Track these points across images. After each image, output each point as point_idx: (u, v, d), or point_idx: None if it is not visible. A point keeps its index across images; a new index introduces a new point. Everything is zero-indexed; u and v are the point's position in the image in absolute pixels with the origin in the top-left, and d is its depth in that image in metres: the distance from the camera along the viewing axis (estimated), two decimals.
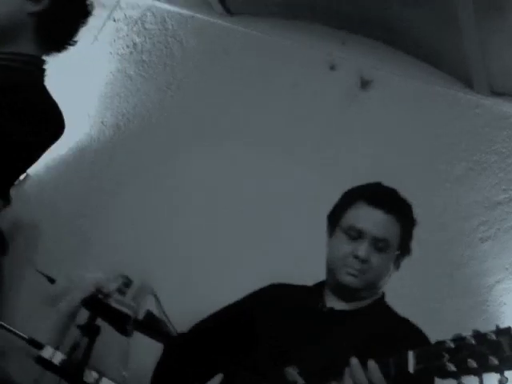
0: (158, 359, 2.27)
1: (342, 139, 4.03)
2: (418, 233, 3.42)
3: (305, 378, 1.77)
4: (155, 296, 3.35)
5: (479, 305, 3.38)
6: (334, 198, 3.74)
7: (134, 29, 4.60)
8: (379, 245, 1.87)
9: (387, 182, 3.67)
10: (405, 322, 1.94)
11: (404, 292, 3.20)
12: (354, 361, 1.54)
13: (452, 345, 1.40)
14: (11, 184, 2.00)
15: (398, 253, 1.93)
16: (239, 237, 3.83)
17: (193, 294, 3.71)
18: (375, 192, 1.95)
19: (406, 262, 2.01)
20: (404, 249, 1.95)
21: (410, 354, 1.46)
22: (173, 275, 3.79)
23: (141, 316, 3.24)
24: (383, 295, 2.00)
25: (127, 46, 4.55)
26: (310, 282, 2.12)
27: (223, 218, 3.93)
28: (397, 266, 1.95)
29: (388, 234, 1.89)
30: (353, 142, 4.01)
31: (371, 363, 1.50)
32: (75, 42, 1.98)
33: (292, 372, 1.79)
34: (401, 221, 1.90)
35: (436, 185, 3.75)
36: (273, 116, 4.18)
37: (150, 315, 3.30)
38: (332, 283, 1.95)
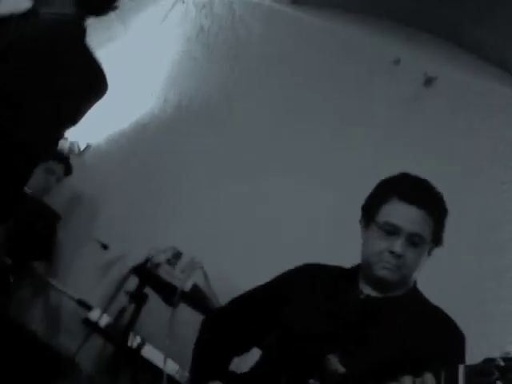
0: (198, 331, 2.32)
1: (403, 137, 4.03)
2: (472, 235, 3.42)
3: (345, 366, 1.78)
4: (203, 270, 3.42)
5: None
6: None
7: (202, 12, 4.68)
8: (414, 240, 1.88)
9: (450, 182, 3.68)
10: (437, 310, 1.94)
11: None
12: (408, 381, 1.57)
13: (502, 363, 1.40)
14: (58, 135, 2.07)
15: (431, 245, 1.93)
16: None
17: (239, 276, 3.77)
18: (408, 187, 1.94)
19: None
20: (437, 240, 1.95)
21: (461, 370, 1.47)
22: (222, 256, 3.85)
23: (187, 288, 3.31)
24: (415, 283, 2.01)
25: (194, 29, 4.64)
26: None
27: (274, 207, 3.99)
28: (429, 254, 1.96)
29: (422, 229, 1.89)
30: (415, 139, 4.00)
31: (427, 376, 1.52)
32: (115, 7, 2.07)
33: (333, 360, 1.80)
34: (433, 214, 1.90)
35: (492, 186, 3.72)
36: (337, 106, 4.20)
37: (196, 288, 3.37)
38: (368, 274, 1.96)
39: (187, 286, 3.32)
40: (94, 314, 3.37)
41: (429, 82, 4.12)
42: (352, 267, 2.07)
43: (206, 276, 3.41)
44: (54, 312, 3.79)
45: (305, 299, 2.02)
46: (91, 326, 3.29)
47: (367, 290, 1.97)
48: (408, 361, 1.69)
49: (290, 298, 2.05)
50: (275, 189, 4.01)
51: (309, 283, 2.06)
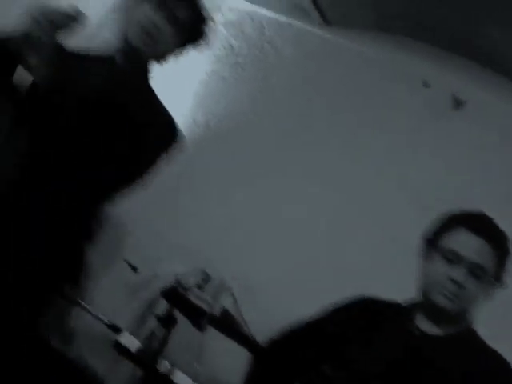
0: (249, 363, 2.30)
1: (428, 159, 4.01)
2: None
3: None
4: (233, 295, 3.41)
5: None
6: (417, 220, 3.74)
7: (232, 32, 4.68)
8: (476, 272, 1.87)
9: (476, 207, 3.66)
10: (495, 355, 1.91)
11: None
12: None
13: None
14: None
15: (492, 282, 1.91)
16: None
17: (270, 300, 3.76)
18: (475, 219, 1.94)
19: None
20: (498, 279, 1.93)
21: None
22: (252, 279, 3.84)
23: (217, 313, 3.31)
24: (472, 322, 1.98)
25: (224, 48, 4.64)
26: None
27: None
28: (489, 295, 1.94)
29: (485, 261, 1.88)
30: (439, 163, 3.98)
31: None
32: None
33: None
34: (498, 250, 1.90)
35: None
36: (362, 130, 4.19)
37: (225, 313, 3.37)
38: (425, 305, 1.94)
39: (216, 310, 3.32)
40: (124, 338, 3.37)
41: (458, 104, 4.09)
42: (408, 302, 2.04)
43: (235, 300, 3.40)
44: (82, 334, 3.79)
45: (358, 336, 2.00)
46: (122, 351, 3.29)
47: (423, 326, 1.95)
48: None
49: (343, 334, 2.03)
50: (303, 209, 4.00)
51: (363, 319, 2.04)
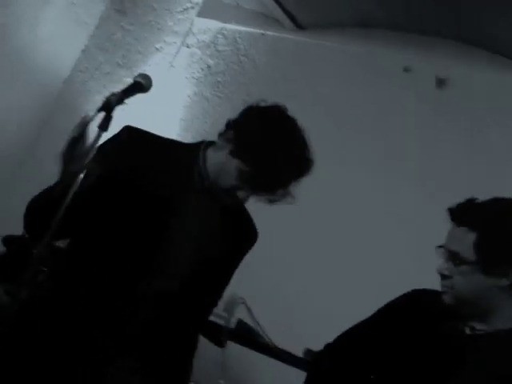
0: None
1: (420, 141, 4.01)
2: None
3: None
4: (246, 305, 3.39)
5: None
6: (413, 202, 3.74)
7: (207, 52, 4.73)
8: (454, 257, 1.81)
9: (468, 183, 3.67)
10: None
11: None
12: None
13: None
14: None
15: (476, 263, 1.80)
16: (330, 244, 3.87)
17: (283, 304, 3.74)
18: (459, 207, 1.86)
19: None
20: (485, 262, 1.80)
21: None
22: (263, 286, 3.83)
23: (232, 325, 3.28)
24: None
25: (202, 69, 4.69)
26: None
27: (314, 231, 3.97)
28: (483, 281, 1.81)
29: (461, 247, 1.80)
30: (432, 143, 3.98)
31: None
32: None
33: None
34: (476, 230, 1.79)
35: None
36: (348, 125, 4.20)
37: (241, 324, 3.34)
38: None
39: (232, 323, 3.30)
40: None
41: (441, 83, 4.10)
42: None
43: (249, 310, 3.37)
44: None
45: (407, 334, 1.96)
46: None
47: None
48: None
49: (397, 330, 1.99)
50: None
51: (415, 313, 1.99)
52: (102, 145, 1.88)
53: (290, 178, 1.94)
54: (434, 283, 1.92)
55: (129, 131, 2.06)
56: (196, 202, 1.99)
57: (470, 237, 1.79)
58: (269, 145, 1.90)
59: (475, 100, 3.96)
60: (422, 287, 2.04)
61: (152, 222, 1.94)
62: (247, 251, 2.16)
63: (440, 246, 1.87)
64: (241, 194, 1.94)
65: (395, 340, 1.97)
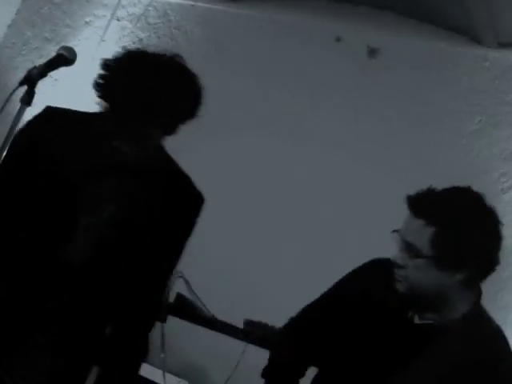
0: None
1: (353, 110, 4.05)
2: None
3: None
4: (184, 279, 3.38)
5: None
6: (344, 171, 3.77)
7: (138, 25, 4.65)
8: (409, 249, 1.79)
9: (405, 148, 3.74)
10: (495, 334, 1.87)
11: None
12: None
13: None
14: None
15: (432, 257, 1.78)
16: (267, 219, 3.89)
17: (221, 276, 3.76)
18: (418, 197, 1.81)
19: None
20: (442, 253, 1.78)
21: None
22: (201, 260, 3.83)
23: (172, 299, 3.27)
24: (477, 304, 1.89)
25: (133, 43, 4.60)
26: None
27: (248, 201, 3.98)
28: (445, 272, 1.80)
29: (418, 239, 1.78)
30: (365, 112, 4.02)
31: None
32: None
33: None
34: (436, 225, 1.76)
35: (452, 142, 3.75)
36: (284, 97, 4.20)
37: (180, 298, 3.34)
38: None
39: (171, 298, 3.29)
40: None
41: (372, 52, 4.14)
42: None
43: (187, 283, 3.37)
44: None
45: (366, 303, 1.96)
46: None
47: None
48: None
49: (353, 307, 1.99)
50: None
51: (373, 283, 1.99)
52: (21, 127, 1.86)
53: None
54: None
55: (46, 111, 2.05)
56: (113, 174, 1.99)
57: (428, 231, 1.77)
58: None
59: (406, 68, 4.02)
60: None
61: (65, 201, 1.94)
62: (188, 217, 2.13)
63: (395, 231, 1.85)
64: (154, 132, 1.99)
65: (350, 318, 1.98)
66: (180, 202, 2.07)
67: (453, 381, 1.77)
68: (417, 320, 1.88)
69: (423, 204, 1.80)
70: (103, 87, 1.95)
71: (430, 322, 1.86)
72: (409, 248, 1.80)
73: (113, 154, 1.98)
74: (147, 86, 1.93)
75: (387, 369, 1.82)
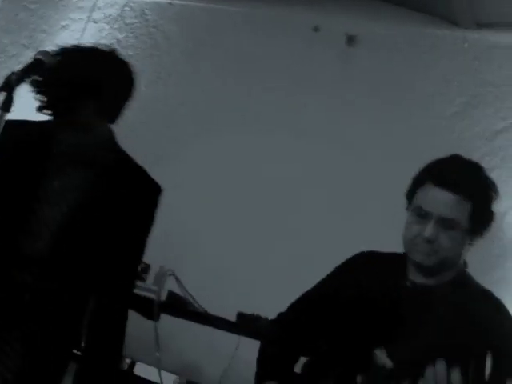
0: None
1: (333, 99, 4.05)
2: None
3: (393, 360, 1.76)
4: (175, 276, 3.38)
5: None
6: (328, 160, 3.78)
7: (115, 26, 4.63)
8: (446, 224, 1.82)
9: (387, 133, 3.74)
10: (487, 296, 1.90)
11: None
12: (440, 366, 1.56)
13: None
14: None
15: (468, 230, 1.86)
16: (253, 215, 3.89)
17: (211, 271, 3.76)
18: (445, 171, 1.86)
19: None
20: (473, 228, 1.87)
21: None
22: (193, 257, 3.84)
23: (164, 297, 3.28)
24: (465, 265, 1.96)
25: (111, 44, 4.55)
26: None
27: (236, 197, 3.98)
28: (469, 244, 1.90)
29: (455, 214, 1.82)
30: (345, 100, 4.02)
31: (455, 375, 1.53)
32: None
33: (380, 355, 1.78)
34: (468, 200, 1.82)
35: (434, 124, 3.76)
36: (265, 90, 4.20)
37: (172, 295, 3.34)
38: (409, 259, 1.93)
39: (163, 296, 3.29)
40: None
41: (351, 41, 4.14)
42: (402, 253, 1.99)
43: (178, 280, 3.37)
44: None
45: (355, 295, 1.98)
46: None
47: (414, 276, 1.92)
48: (453, 349, 1.66)
49: (344, 296, 2.01)
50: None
51: (360, 277, 2.02)
52: None
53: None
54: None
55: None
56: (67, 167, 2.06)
57: (466, 206, 1.82)
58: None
59: (385, 54, 4.02)
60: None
61: (25, 196, 2.02)
62: (146, 206, 2.17)
63: (413, 206, 1.89)
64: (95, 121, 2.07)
65: (344, 304, 1.99)
66: (136, 191, 2.14)
67: (449, 339, 1.78)
68: (409, 284, 1.92)
69: (454, 178, 1.84)
70: (39, 83, 2.02)
71: (421, 286, 1.91)
72: (446, 223, 1.83)
73: (62, 147, 2.07)
74: (79, 73, 2.04)
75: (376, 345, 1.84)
